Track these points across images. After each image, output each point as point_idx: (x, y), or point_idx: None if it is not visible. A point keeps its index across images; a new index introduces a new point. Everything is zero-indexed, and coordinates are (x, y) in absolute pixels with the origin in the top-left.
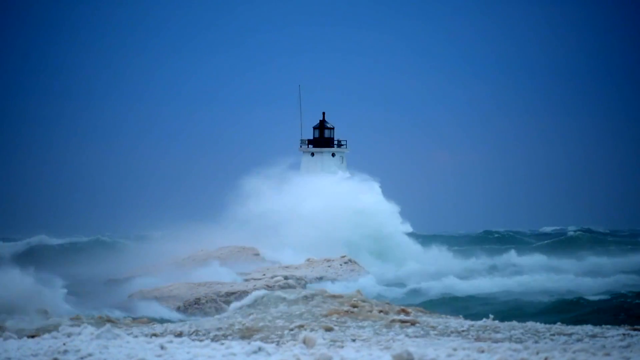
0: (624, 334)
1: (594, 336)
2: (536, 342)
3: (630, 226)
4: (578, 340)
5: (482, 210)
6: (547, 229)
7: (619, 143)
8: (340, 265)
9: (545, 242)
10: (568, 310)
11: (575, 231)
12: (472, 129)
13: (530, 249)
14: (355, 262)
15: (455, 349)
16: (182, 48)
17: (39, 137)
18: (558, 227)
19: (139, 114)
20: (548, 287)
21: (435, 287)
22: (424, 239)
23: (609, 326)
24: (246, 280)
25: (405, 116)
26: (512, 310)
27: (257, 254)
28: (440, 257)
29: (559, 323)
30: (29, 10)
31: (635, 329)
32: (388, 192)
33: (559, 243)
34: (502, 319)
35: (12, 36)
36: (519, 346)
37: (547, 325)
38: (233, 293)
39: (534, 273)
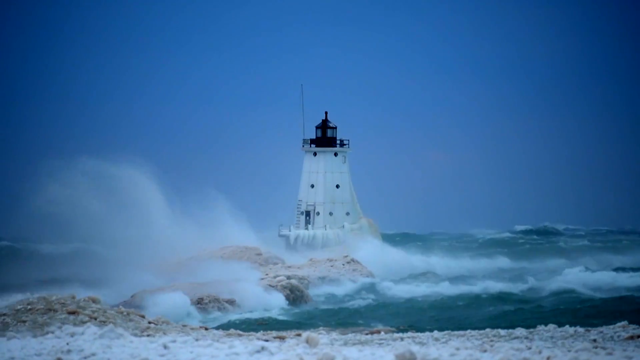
0: (624, 329)
1: (594, 335)
2: (539, 340)
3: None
4: (580, 338)
5: (481, 210)
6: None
7: (615, 142)
8: (343, 265)
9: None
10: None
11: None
12: (473, 130)
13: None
14: (357, 262)
15: (457, 348)
16: (183, 47)
17: (37, 137)
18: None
19: (140, 112)
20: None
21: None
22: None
23: (611, 325)
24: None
25: (406, 116)
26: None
27: (260, 254)
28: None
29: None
30: (30, 10)
31: (636, 328)
32: (387, 192)
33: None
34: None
35: (12, 36)
36: (521, 345)
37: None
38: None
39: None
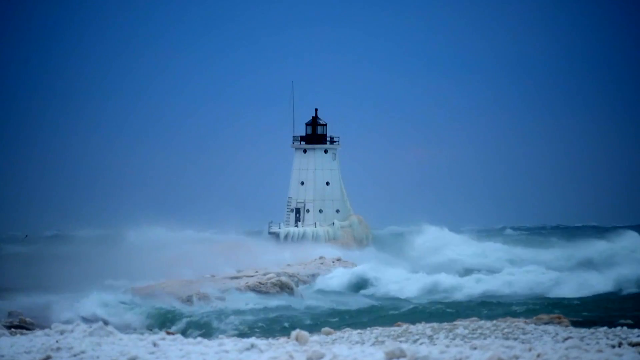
0: (615, 329)
1: (586, 332)
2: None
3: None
4: (569, 337)
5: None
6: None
7: (613, 140)
8: (333, 262)
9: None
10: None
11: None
12: (464, 126)
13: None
14: (347, 260)
15: (447, 346)
16: (179, 51)
17: (41, 135)
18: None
19: (137, 115)
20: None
21: None
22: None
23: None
24: (238, 277)
25: (397, 113)
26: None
27: None
28: None
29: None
30: (35, 8)
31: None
32: (378, 189)
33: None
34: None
35: (18, 33)
36: (511, 343)
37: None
38: (226, 290)
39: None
